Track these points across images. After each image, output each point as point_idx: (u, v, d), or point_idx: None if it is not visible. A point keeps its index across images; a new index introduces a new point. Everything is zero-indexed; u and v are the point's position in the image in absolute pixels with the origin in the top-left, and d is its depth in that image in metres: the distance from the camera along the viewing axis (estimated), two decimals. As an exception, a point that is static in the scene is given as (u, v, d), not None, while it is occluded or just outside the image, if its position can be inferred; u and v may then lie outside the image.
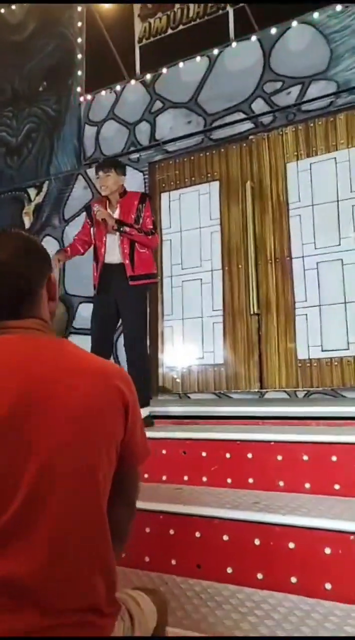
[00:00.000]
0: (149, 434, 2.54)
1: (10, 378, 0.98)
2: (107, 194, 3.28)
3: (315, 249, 3.95)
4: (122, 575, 1.99)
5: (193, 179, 4.54)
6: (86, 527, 0.97)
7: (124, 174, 3.34)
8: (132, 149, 4.77)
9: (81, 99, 5.17)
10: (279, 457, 2.29)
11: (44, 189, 5.30)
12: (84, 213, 3.62)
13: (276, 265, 4.10)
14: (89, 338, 3.25)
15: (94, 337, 3.23)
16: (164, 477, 2.51)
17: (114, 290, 3.18)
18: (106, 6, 4.99)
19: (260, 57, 4.27)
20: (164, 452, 2.54)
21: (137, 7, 4.94)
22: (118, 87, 4.96)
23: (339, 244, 3.87)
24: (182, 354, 4.40)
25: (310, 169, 4.05)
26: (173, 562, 2.02)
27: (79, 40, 5.26)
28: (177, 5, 4.74)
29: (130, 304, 3.16)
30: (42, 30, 5.49)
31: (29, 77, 5.56)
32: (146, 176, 4.65)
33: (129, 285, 3.13)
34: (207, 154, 4.49)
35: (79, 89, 5.20)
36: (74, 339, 4.65)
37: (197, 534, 2.00)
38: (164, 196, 4.64)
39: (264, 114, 4.21)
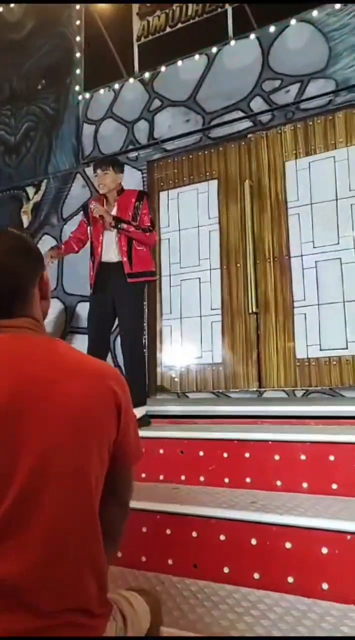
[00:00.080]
0: (147, 433, 2.57)
1: (1, 377, 0.97)
2: (105, 192, 3.27)
3: (314, 247, 3.94)
4: (119, 575, 1.99)
5: (191, 177, 4.52)
6: (78, 528, 0.97)
7: (122, 172, 3.33)
8: (130, 147, 4.76)
9: (79, 97, 5.16)
10: (277, 457, 2.29)
11: (43, 187, 5.29)
12: (82, 212, 3.61)
13: (275, 264, 4.09)
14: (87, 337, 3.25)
15: (91, 337, 3.22)
16: (161, 477, 2.51)
17: (112, 288, 3.15)
18: (105, 5, 4.97)
19: (259, 55, 4.26)
20: (161, 451, 2.54)
21: (135, 6, 4.92)
22: (116, 86, 4.95)
23: (338, 243, 3.86)
24: (181, 353, 4.39)
25: (309, 168, 4.03)
26: (170, 561, 2.02)
27: (78, 38, 5.25)
28: (176, 4, 4.72)
29: (127, 301, 3.14)
30: (41, 29, 5.48)
31: (28, 76, 5.55)
32: (145, 175, 4.65)
33: (126, 282, 3.10)
34: (206, 152, 4.48)
35: (77, 88, 5.19)
36: (72, 338, 4.69)
37: (194, 534, 2.00)
38: (163, 195, 4.63)
39: (262, 112, 4.19)
